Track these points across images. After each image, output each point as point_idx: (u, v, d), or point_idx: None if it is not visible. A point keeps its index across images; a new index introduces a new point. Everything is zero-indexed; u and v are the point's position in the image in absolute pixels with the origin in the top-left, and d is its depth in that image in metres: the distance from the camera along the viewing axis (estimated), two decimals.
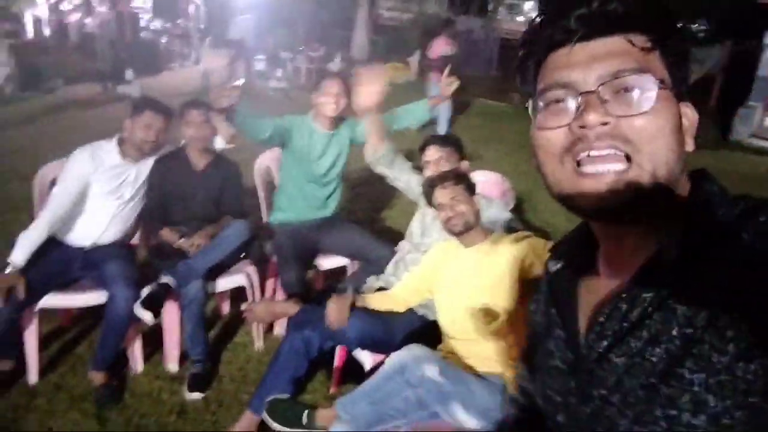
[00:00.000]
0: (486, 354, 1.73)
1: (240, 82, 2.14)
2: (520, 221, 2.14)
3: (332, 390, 2.39)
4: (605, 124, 0.57)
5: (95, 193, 2.40)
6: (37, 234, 2.21)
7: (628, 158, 0.57)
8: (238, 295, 2.65)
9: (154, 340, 2.56)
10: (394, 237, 3.21)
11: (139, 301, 2.23)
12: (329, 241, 2.79)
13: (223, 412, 2.25)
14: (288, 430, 1.86)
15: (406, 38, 15.05)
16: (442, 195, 1.89)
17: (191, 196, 2.59)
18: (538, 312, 0.79)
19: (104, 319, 2.26)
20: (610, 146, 0.57)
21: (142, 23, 13.38)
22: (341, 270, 2.95)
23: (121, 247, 2.51)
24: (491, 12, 17.63)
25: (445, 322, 1.90)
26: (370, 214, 4.52)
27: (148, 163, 2.52)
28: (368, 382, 1.65)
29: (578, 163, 0.59)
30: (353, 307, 2.04)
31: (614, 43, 0.60)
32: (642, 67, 0.59)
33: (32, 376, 2.32)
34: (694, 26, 10.92)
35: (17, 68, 9.23)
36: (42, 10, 13.96)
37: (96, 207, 2.42)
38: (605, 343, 0.61)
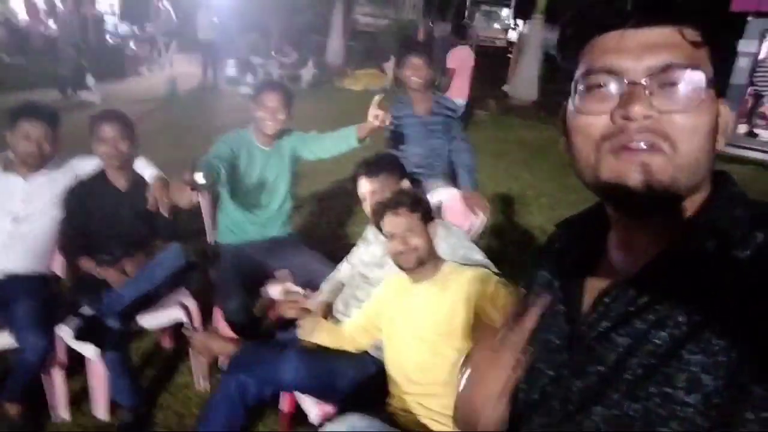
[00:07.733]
0: (440, 410, 1.50)
1: (201, 180, 1.90)
2: (481, 251, 1.91)
3: None
4: (648, 117, 0.57)
5: None
6: None
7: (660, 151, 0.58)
8: (181, 326, 2.37)
9: (83, 384, 2.27)
10: None
11: (72, 336, 1.98)
12: (279, 266, 2.53)
13: None
14: None
15: (381, 45, 14.84)
16: (393, 224, 1.62)
17: (116, 219, 2.30)
18: (541, 283, 0.78)
19: (16, 362, 2.00)
20: (648, 140, 0.57)
21: (109, 27, 12.94)
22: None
23: (34, 282, 2.19)
24: (467, 19, 17.53)
25: (394, 369, 1.66)
26: (334, 230, 4.26)
27: (42, 180, 2.24)
28: None
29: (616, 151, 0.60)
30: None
31: (666, 33, 0.59)
32: (692, 62, 0.58)
33: None
34: None
35: None
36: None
37: None
38: (607, 323, 0.63)
